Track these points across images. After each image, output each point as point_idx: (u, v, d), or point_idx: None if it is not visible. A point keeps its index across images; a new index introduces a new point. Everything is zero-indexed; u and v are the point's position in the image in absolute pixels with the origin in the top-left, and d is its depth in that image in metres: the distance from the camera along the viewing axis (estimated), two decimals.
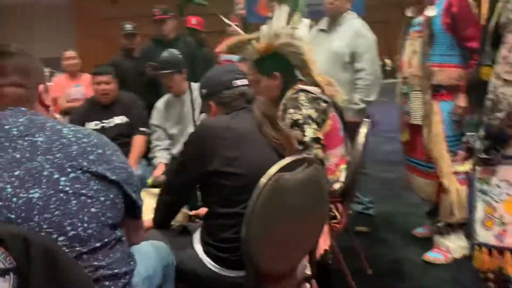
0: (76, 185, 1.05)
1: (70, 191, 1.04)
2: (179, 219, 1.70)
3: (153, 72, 3.23)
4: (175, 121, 3.05)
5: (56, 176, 1.03)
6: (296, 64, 2.05)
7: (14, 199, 0.99)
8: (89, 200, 1.06)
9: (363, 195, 3.20)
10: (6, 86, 1.11)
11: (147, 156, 3.08)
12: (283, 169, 1.38)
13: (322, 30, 3.05)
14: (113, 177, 1.12)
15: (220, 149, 1.42)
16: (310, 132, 1.88)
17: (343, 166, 2.07)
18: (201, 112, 2.01)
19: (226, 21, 2.46)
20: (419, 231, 2.92)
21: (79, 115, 3.06)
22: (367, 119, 2.18)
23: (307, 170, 1.44)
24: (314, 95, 1.98)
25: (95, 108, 3.06)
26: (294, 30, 2.07)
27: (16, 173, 1.01)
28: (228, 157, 1.42)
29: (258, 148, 1.48)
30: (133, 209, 1.24)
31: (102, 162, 1.11)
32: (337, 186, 2.02)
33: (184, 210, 1.81)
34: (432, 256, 2.57)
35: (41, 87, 1.17)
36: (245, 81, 1.63)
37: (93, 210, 1.07)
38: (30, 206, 0.99)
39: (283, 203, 1.38)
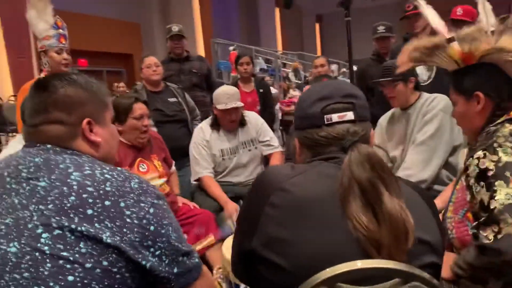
0: (58, 245, 0.88)
1: (48, 252, 0.88)
2: None
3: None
4: (397, 141, 2.45)
5: (39, 231, 0.89)
6: None
7: None
8: (68, 266, 0.87)
9: None
10: (44, 124, 1.02)
11: None
12: (349, 279, 0.79)
13: None
14: (110, 240, 0.89)
15: (263, 219, 0.91)
16: (503, 195, 1.08)
17: None
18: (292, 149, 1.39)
19: None
20: None
21: None
22: None
23: None
24: None
25: None
26: None
27: (6, 221, 0.92)
28: (270, 236, 0.90)
29: (328, 233, 0.87)
30: (159, 278, 0.95)
31: (104, 217, 0.90)
32: None
33: None
34: None
35: (85, 121, 1.04)
36: (350, 115, 0.99)
37: (70, 278, 0.87)
38: (5, 261, 0.88)
39: None
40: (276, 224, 0.90)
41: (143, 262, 0.92)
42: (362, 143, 0.95)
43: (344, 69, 12.29)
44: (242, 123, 2.83)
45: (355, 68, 3.20)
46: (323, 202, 0.90)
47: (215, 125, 2.80)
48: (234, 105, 2.68)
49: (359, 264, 0.80)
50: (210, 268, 2.17)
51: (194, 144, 2.81)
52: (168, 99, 3.23)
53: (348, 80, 3.71)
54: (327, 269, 0.80)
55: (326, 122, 0.99)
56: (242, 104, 2.76)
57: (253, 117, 2.93)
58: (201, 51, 11.58)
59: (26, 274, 0.86)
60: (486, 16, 1.31)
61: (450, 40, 1.35)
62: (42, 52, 2.45)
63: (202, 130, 2.82)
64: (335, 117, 0.98)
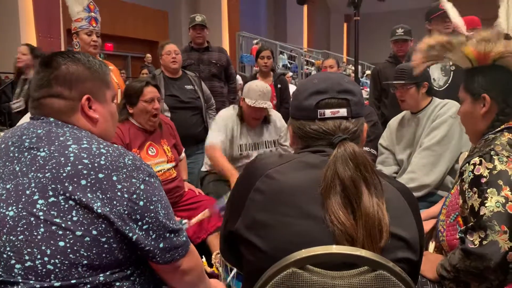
0: (52, 212, 0.94)
1: (42, 217, 0.93)
2: None
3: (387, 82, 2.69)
4: (405, 144, 2.45)
5: (35, 197, 0.95)
6: None
7: None
8: (60, 232, 0.93)
9: None
10: (47, 97, 1.08)
11: None
12: (318, 262, 0.82)
13: None
14: (100, 210, 0.94)
15: (248, 203, 0.96)
16: (494, 202, 1.09)
17: None
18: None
19: None
20: None
21: None
22: None
23: (361, 278, 0.80)
24: None
25: None
26: None
27: (8, 186, 0.99)
28: (253, 219, 0.94)
29: (306, 221, 0.90)
30: (144, 251, 1.00)
31: (97, 189, 0.95)
32: None
33: None
34: None
35: (84, 97, 1.09)
36: (343, 112, 1.00)
37: (61, 244, 0.93)
38: (3, 224, 0.95)
39: None
40: (259, 208, 0.94)
41: (130, 234, 0.96)
42: (352, 139, 0.97)
43: (368, 72, 12.18)
44: (267, 121, 2.80)
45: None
46: (305, 191, 0.93)
47: (241, 117, 2.73)
48: (263, 105, 2.61)
49: (334, 247, 0.84)
50: (210, 253, 2.22)
51: (223, 119, 2.71)
52: (185, 86, 3.28)
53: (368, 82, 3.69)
54: (303, 250, 0.84)
55: (319, 116, 1.00)
56: (271, 106, 2.69)
57: (278, 118, 2.88)
58: (225, 43, 11.63)
59: (21, 237, 0.92)
60: (507, 20, 1.31)
61: (468, 39, 1.34)
62: (74, 33, 2.52)
63: (233, 117, 2.72)
64: (328, 112, 1.00)
